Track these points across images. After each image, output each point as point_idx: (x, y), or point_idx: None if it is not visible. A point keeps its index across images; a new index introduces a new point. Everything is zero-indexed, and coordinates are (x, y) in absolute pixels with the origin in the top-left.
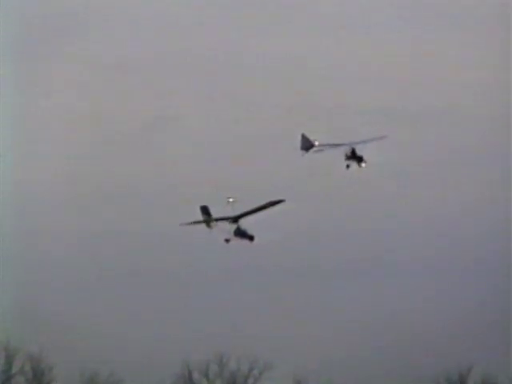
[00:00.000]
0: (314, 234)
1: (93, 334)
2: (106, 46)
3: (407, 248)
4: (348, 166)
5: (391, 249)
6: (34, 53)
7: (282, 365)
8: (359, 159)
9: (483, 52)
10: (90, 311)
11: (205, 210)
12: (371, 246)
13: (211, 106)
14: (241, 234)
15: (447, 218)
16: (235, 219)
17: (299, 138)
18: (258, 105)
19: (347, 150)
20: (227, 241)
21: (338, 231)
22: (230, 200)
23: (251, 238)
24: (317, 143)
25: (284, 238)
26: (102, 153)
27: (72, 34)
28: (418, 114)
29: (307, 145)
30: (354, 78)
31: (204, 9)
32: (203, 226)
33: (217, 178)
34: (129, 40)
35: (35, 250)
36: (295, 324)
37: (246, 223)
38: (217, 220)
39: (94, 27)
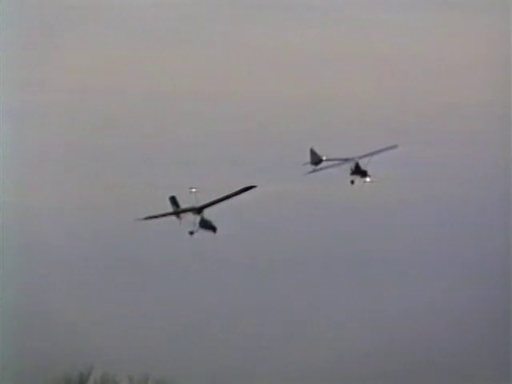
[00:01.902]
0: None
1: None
2: (107, 38)
3: (406, 248)
4: (353, 182)
5: (390, 248)
6: (34, 44)
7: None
8: (363, 174)
9: (484, 53)
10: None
11: (173, 201)
12: (365, 244)
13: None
14: (205, 225)
15: (448, 217)
16: (199, 210)
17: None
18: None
19: (352, 164)
20: (191, 233)
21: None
22: (193, 190)
23: (214, 229)
24: (324, 158)
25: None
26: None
27: (73, 25)
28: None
29: (316, 159)
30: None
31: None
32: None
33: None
34: (129, 32)
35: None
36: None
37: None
38: (179, 212)
39: (95, 18)
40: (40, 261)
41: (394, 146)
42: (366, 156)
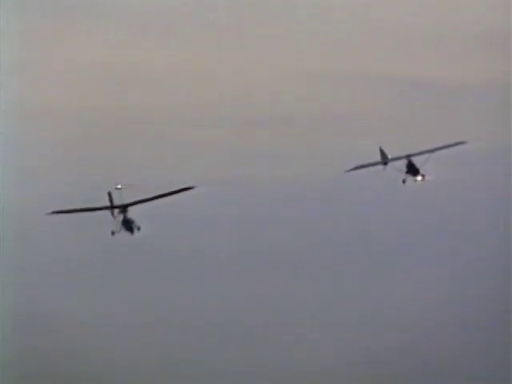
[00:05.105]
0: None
1: None
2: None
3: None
4: (404, 181)
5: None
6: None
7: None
8: (415, 172)
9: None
10: None
11: (109, 197)
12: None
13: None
14: (125, 225)
15: (448, 218)
16: (124, 208)
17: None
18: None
19: (406, 162)
20: (113, 233)
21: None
22: (118, 187)
23: (131, 229)
24: (390, 156)
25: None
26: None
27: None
28: None
29: (386, 159)
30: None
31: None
32: None
33: None
34: (130, 32)
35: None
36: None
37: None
38: (98, 209)
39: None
40: (40, 261)
41: (462, 142)
42: (424, 153)
